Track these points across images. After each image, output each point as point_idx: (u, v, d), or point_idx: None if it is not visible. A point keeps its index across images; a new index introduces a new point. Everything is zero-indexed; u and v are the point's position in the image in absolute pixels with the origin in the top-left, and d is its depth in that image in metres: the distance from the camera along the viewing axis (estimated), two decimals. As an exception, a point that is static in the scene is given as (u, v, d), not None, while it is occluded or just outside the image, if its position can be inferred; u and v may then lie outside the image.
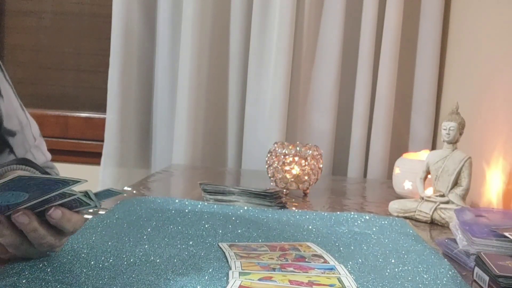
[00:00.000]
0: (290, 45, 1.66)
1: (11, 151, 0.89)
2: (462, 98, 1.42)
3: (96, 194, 0.66)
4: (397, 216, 1.11)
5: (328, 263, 0.75)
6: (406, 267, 0.77)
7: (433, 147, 1.70)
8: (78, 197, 0.65)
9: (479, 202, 1.23)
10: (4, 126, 0.88)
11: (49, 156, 0.99)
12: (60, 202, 0.64)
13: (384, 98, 1.67)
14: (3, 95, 0.88)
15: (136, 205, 1.04)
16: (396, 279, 0.72)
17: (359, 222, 1.03)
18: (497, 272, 0.68)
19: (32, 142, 0.93)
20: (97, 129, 1.89)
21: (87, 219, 0.73)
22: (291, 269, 0.72)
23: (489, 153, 1.22)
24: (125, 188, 1.26)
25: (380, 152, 1.68)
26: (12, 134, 0.89)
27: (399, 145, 1.74)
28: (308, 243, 0.85)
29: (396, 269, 0.76)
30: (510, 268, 0.69)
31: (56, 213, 0.64)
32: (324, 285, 0.66)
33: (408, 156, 1.40)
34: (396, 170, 1.35)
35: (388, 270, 0.76)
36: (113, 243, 0.80)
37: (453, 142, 1.10)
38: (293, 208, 1.14)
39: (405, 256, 0.83)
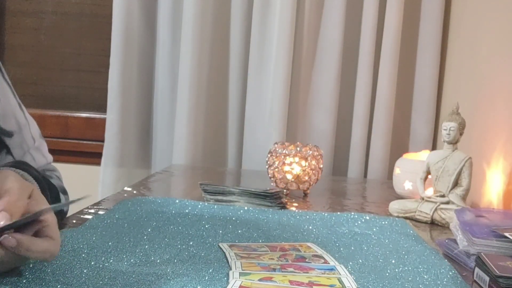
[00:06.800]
0: (290, 45, 1.65)
1: (8, 152, 0.87)
2: (462, 98, 1.42)
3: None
4: (398, 217, 1.11)
5: (329, 263, 0.75)
6: (406, 268, 0.77)
7: (433, 147, 1.70)
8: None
9: (479, 203, 1.23)
10: (0, 126, 0.85)
11: (50, 158, 0.96)
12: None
13: (384, 98, 1.67)
14: (0, 94, 0.86)
15: (136, 205, 1.04)
16: (396, 279, 0.72)
17: (359, 222, 1.03)
18: (498, 272, 0.68)
19: (31, 143, 0.91)
20: (97, 129, 1.89)
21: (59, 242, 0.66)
22: (291, 269, 0.72)
23: (489, 154, 1.22)
24: (126, 188, 1.25)
25: (380, 152, 1.68)
26: (9, 134, 0.87)
27: (399, 145, 1.74)
28: (309, 244, 0.85)
29: (397, 270, 0.76)
30: (510, 268, 0.69)
31: (9, 242, 0.58)
32: (324, 285, 0.66)
33: (409, 156, 1.39)
34: (397, 171, 1.35)
35: (388, 271, 0.76)
36: (113, 243, 0.80)
37: (454, 143, 1.10)
38: (293, 209, 1.14)
39: (406, 256, 0.83)
